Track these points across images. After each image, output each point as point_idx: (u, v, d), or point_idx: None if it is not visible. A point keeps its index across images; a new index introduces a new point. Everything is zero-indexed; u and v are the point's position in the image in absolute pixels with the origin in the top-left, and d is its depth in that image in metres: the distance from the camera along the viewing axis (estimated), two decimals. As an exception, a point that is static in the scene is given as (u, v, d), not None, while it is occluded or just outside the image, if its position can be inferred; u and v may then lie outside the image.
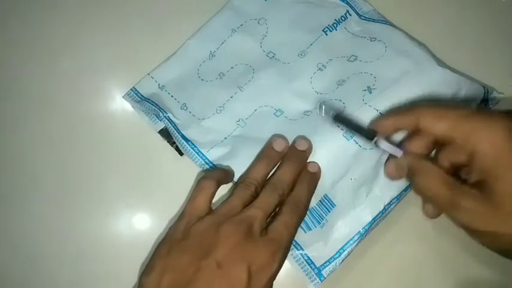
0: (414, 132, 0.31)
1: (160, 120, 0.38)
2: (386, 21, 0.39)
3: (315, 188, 0.33)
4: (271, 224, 0.30)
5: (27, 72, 0.41)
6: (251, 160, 0.35)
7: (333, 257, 0.34)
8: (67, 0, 0.42)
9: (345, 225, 0.34)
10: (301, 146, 0.33)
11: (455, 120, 0.27)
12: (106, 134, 0.39)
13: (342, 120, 0.32)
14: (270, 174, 0.33)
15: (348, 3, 0.41)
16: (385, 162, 0.34)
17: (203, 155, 0.36)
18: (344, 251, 0.34)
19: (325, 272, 0.34)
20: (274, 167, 0.34)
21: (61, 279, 0.37)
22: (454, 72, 0.35)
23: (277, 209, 0.32)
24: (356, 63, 0.38)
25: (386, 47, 0.37)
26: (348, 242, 0.34)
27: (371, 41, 0.38)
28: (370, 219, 0.34)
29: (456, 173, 0.30)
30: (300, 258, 0.34)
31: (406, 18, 0.40)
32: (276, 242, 0.29)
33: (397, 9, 0.41)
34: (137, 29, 0.42)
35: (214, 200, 0.32)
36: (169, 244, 0.29)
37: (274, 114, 0.37)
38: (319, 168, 0.33)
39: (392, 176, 0.32)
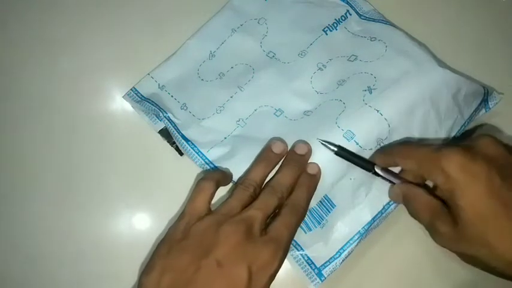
0: None
1: (160, 120, 0.38)
2: (386, 21, 0.39)
3: (315, 190, 0.33)
4: (270, 224, 0.30)
5: (27, 72, 0.41)
6: (251, 160, 0.35)
7: (333, 257, 0.34)
8: (67, 0, 0.42)
9: (345, 225, 0.34)
10: (301, 150, 0.33)
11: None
12: (106, 134, 0.39)
13: (343, 155, 0.33)
14: (269, 178, 0.33)
15: (348, 2, 0.41)
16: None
17: (203, 155, 0.36)
18: (344, 251, 0.34)
19: (325, 272, 0.34)
20: (273, 169, 0.34)
21: (61, 279, 0.37)
22: (454, 73, 0.35)
23: (276, 211, 0.32)
24: (356, 63, 0.37)
25: (386, 47, 0.37)
26: (348, 242, 0.34)
27: (371, 40, 0.38)
28: (370, 218, 0.34)
29: None
30: (300, 258, 0.34)
31: (406, 18, 0.40)
32: (276, 242, 0.29)
33: (398, 9, 0.41)
34: (137, 29, 0.42)
35: (213, 201, 0.32)
36: (169, 244, 0.29)
37: (274, 114, 0.37)
38: (319, 169, 0.33)
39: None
